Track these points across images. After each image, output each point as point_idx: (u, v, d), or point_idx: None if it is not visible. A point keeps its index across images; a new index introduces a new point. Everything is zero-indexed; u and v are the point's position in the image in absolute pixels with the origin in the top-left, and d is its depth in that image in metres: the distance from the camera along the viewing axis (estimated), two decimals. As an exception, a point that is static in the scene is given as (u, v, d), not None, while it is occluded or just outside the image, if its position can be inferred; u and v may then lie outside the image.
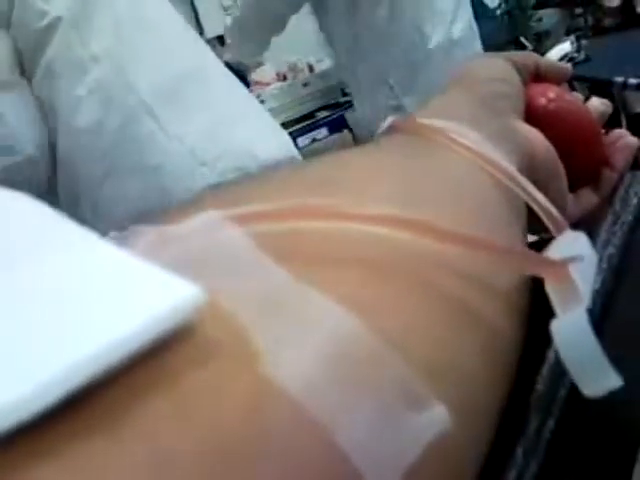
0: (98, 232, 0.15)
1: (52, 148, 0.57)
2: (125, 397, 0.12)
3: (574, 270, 0.20)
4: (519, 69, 0.33)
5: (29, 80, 0.56)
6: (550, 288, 0.20)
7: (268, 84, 2.36)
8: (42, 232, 0.15)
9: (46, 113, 0.56)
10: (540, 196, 0.25)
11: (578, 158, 0.33)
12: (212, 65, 0.60)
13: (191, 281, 0.13)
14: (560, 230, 0.24)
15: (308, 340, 0.15)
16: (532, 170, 0.29)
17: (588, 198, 0.35)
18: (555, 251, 0.22)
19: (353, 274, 0.17)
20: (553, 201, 0.31)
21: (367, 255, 0.18)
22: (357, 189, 0.21)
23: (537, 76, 0.36)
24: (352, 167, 0.23)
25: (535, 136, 0.31)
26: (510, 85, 0.32)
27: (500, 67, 0.33)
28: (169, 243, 0.17)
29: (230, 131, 0.56)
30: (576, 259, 0.21)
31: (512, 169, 0.26)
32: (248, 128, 0.58)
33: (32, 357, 0.12)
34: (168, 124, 0.54)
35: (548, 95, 0.34)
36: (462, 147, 0.25)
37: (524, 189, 0.25)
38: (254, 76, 2.10)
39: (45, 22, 0.54)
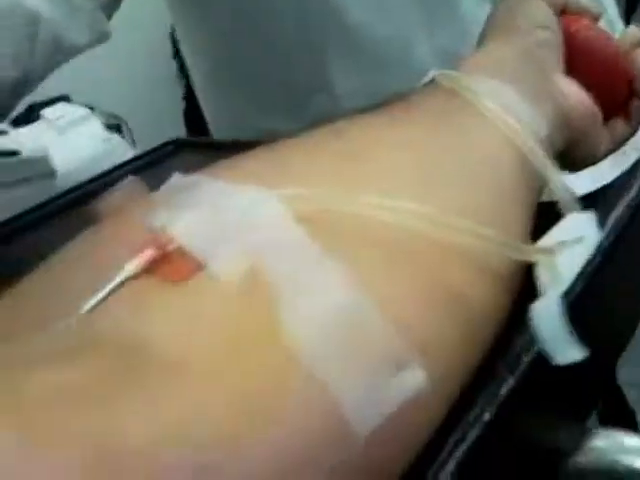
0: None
1: None
2: None
3: (564, 255, 0.24)
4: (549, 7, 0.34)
5: None
6: (537, 272, 0.23)
7: None
8: None
9: None
10: (556, 177, 0.27)
11: (607, 88, 0.34)
12: None
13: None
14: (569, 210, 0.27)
15: (316, 308, 0.19)
16: (567, 126, 0.31)
17: (620, 129, 0.36)
18: (557, 232, 0.25)
19: (367, 253, 0.21)
20: (586, 154, 0.34)
21: (380, 239, 0.21)
22: (381, 173, 0.24)
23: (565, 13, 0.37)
24: (379, 145, 0.25)
25: (573, 90, 0.32)
26: (552, 32, 0.33)
27: (541, 13, 0.33)
28: (222, 213, 0.20)
29: None
30: (566, 245, 0.24)
31: (537, 148, 0.28)
32: None
33: None
34: None
35: (576, 26, 0.35)
36: (494, 115, 0.27)
37: (543, 166, 0.28)
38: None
39: None
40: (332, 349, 0.18)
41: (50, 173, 0.62)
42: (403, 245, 0.22)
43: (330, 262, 0.19)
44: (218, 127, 0.66)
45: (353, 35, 0.53)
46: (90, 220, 0.21)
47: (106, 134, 0.79)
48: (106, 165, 0.51)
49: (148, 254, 0.19)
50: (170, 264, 0.19)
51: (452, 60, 0.32)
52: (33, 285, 0.20)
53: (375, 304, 0.19)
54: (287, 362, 0.18)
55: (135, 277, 0.18)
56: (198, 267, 0.19)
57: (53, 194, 0.49)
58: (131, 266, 0.18)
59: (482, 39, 0.34)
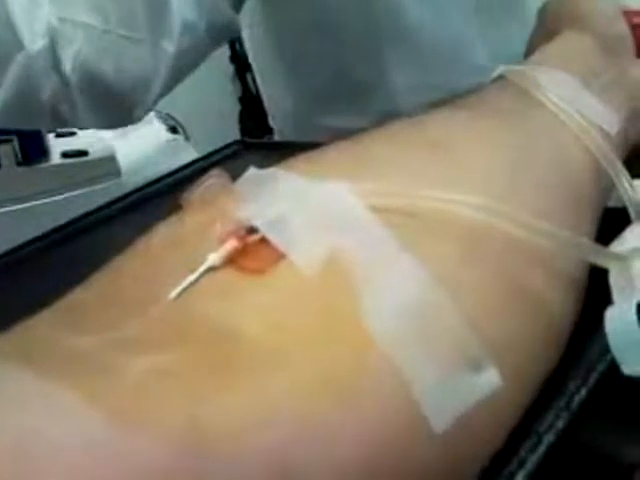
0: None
1: None
2: None
3: (636, 262, 0.23)
4: None
5: None
6: (611, 278, 0.23)
7: None
8: None
9: None
10: (626, 184, 0.27)
11: None
12: None
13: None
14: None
15: (392, 298, 0.19)
16: None
17: None
18: (630, 238, 0.25)
19: (446, 249, 0.21)
20: None
21: (457, 236, 0.22)
22: (461, 168, 0.24)
23: None
24: (460, 139, 0.25)
25: None
26: (622, 23, 0.33)
27: (608, 4, 0.34)
28: (301, 205, 0.21)
29: None
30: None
31: (606, 147, 0.27)
32: None
33: None
34: None
35: (638, 19, 0.35)
36: (563, 114, 0.27)
37: (614, 170, 0.27)
38: None
39: None
40: (407, 338, 0.19)
41: (116, 173, 0.64)
42: (480, 243, 0.22)
43: (406, 255, 0.20)
44: (282, 126, 0.67)
45: (411, 35, 0.55)
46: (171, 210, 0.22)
47: (169, 135, 0.81)
48: (170, 166, 0.53)
49: (230, 246, 0.19)
50: (251, 255, 0.19)
51: (510, 61, 0.32)
52: (121, 269, 0.21)
53: (450, 300, 0.20)
54: (365, 345, 0.18)
55: (218, 268, 0.19)
56: (278, 257, 0.19)
57: (119, 193, 0.50)
58: (214, 257, 0.19)
59: (540, 30, 0.34)
